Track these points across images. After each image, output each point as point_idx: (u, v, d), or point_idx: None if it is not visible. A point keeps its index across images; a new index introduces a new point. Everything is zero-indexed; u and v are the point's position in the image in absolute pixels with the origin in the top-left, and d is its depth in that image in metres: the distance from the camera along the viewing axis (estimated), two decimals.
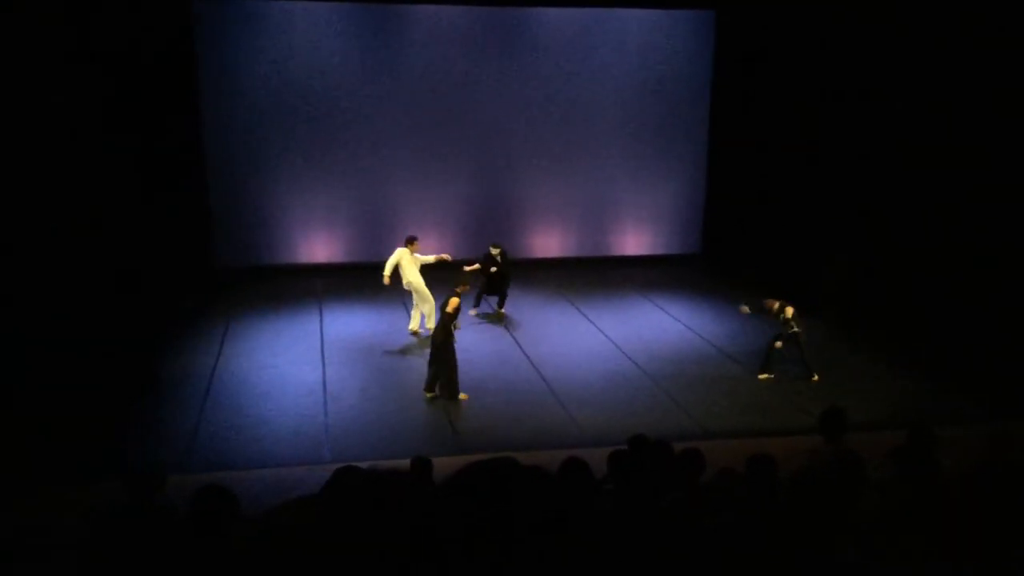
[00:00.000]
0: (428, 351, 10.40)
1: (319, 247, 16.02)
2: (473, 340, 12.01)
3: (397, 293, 12.75)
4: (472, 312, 13.19)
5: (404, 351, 11.86)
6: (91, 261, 12.17)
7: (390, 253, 12.39)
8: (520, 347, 11.97)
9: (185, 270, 14.25)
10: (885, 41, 13.38)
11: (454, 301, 10.23)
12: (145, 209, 13.51)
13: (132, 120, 13.49)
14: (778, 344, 10.79)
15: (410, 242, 12.27)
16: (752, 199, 15.82)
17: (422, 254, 12.43)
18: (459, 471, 1.40)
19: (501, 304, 13.45)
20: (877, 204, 13.79)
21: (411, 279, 12.14)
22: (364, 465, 4.18)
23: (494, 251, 13.31)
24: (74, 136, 12.24)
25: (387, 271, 12.05)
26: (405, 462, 6.22)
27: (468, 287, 10.92)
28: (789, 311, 10.76)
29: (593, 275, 15.87)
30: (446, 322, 10.16)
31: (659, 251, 17.23)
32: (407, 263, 12.15)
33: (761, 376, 10.94)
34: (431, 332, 10.87)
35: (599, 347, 12.08)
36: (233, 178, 15.46)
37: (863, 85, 13.90)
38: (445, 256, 12.59)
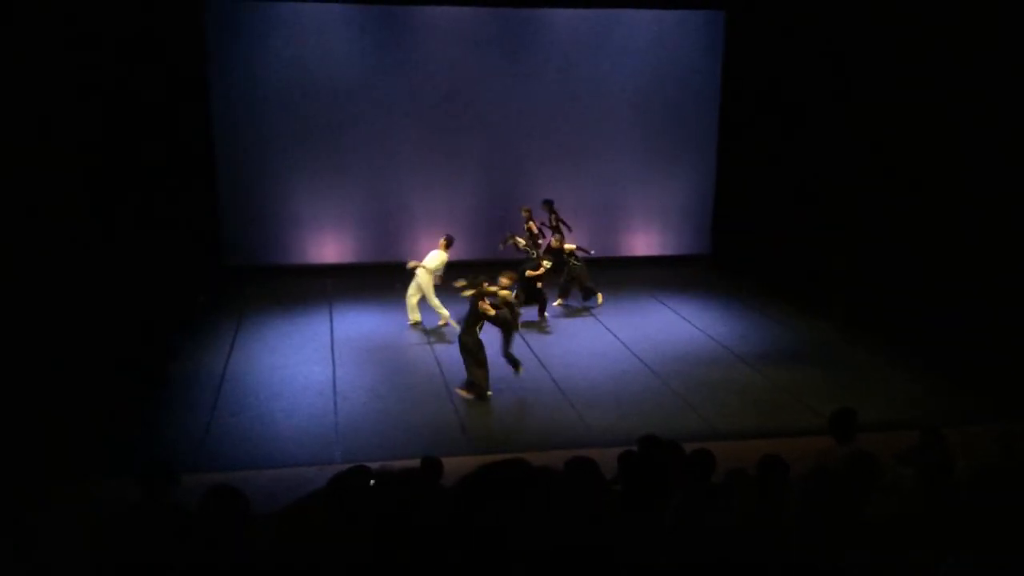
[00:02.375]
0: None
1: (329, 247, 16.04)
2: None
3: (400, 294, 12.85)
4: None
5: (414, 351, 11.87)
6: (101, 260, 12.19)
7: (399, 253, 12.57)
8: (529, 347, 11.96)
9: (195, 270, 14.28)
10: (897, 41, 13.32)
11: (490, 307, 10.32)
12: (155, 208, 13.54)
13: (142, 118, 13.52)
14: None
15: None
16: (762, 199, 15.76)
17: (428, 258, 12.66)
18: (467, 475, 1.39)
19: (542, 311, 13.30)
20: (886, 204, 13.72)
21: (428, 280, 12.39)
22: (375, 465, 4.17)
23: (546, 264, 13.14)
24: (83, 134, 12.27)
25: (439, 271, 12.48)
26: (415, 462, 6.23)
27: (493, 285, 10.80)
28: (507, 294, 10.67)
29: (602, 275, 15.82)
30: (472, 323, 10.29)
31: (668, 251, 17.17)
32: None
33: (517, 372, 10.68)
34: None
35: (608, 347, 12.06)
36: (243, 178, 15.49)
37: (873, 85, 13.84)
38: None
